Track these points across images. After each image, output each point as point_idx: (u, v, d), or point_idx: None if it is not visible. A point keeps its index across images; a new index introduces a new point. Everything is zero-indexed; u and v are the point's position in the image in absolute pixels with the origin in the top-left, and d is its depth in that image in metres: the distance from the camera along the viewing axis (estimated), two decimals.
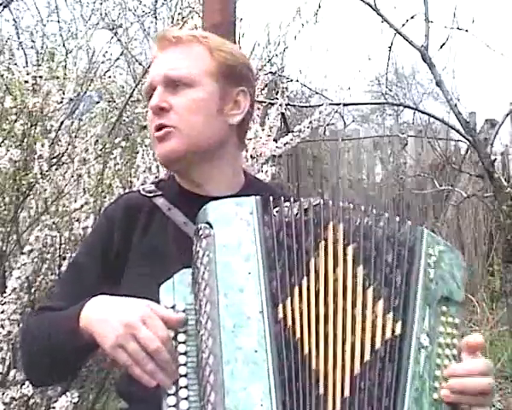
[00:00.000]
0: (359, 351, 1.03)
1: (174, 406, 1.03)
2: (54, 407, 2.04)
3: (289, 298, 1.03)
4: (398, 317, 1.06)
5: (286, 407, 0.98)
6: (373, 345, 1.04)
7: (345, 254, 1.07)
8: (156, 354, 1.03)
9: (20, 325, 2.18)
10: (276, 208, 1.08)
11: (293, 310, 1.03)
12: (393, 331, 1.05)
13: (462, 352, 1.09)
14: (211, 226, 1.07)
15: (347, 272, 1.06)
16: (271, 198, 1.08)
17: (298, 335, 1.02)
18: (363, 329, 1.04)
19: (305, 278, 1.05)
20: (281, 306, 1.02)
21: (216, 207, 1.09)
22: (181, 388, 1.03)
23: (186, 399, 1.02)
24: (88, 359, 1.28)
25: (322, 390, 1.00)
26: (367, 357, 1.03)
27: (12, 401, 2.10)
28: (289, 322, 1.02)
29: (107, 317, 1.08)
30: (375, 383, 1.02)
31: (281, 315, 1.02)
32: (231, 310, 1.02)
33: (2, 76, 2.66)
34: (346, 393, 1.01)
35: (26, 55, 5.10)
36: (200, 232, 1.08)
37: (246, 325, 1.01)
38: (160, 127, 1.29)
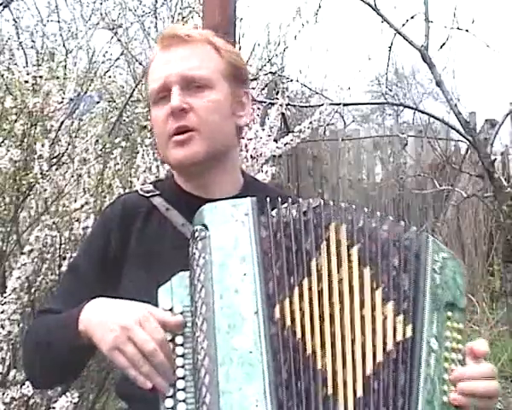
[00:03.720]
0: (371, 351, 1.03)
1: (172, 408, 1.03)
2: (54, 407, 2.04)
3: (288, 298, 1.03)
4: (409, 320, 1.06)
5: (283, 407, 0.98)
6: (385, 346, 1.04)
7: (349, 255, 1.07)
8: (152, 357, 1.03)
9: (21, 325, 2.19)
10: (274, 209, 1.08)
11: (292, 310, 1.02)
12: (404, 334, 1.05)
13: (467, 356, 1.10)
14: (207, 228, 1.07)
15: (353, 273, 1.06)
16: (268, 199, 1.08)
17: (298, 335, 1.01)
18: (374, 330, 1.04)
19: (307, 278, 1.04)
20: (278, 306, 1.02)
21: (212, 209, 1.10)
22: (178, 390, 1.04)
23: (184, 401, 1.03)
24: (87, 361, 1.28)
25: (330, 390, 1.00)
26: (379, 358, 1.03)
27: (12, 401, 2.10)
28: (288, 322, 1.02)
29: (105, 320, 1.08)
30: (389, 384, 1.02)
31: (278, 315, 1.02)
32: (226, 311, 1.02)
33: (2, 76, 2.66)
34: (359, 393, 1.01)
35: (26, 55, 5.09)
36: (196, 234, 1.08)
37: (241, 325, 1.01)
38: (180, 130, 1.26)
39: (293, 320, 1.02)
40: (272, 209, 1.08)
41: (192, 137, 1.25)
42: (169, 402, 1.03)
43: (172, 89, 1.26)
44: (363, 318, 1.04)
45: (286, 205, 1.09)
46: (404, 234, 1.11)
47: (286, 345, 1.01)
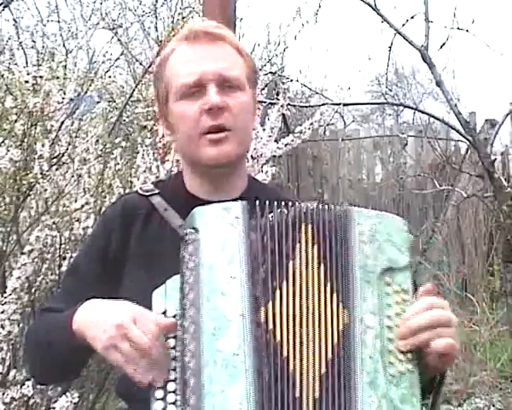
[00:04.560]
0: (324, 350, 1.04)
1: None
2: (54, 408, 2.05)
3: (271, 301, 1.04)
4: (345, 305, 1.06)
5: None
6: (332, 340, 1.04)
7: (312, 255, 1.07)
8: (148, 352, 1.04)
9: (21, 326, 2.19)
10: (263, 212, 1.08)
11: (274, 313, 1.03)
12: (343, 321, 1.06)
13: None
14: (197, 231, 1.08)
15: (314, 273, 1.07)
16: (257, 202, 1.08)
17: (278, 338, 1.03)
18: (326, 326, 1.05)
19: (285, 281, 1.05)
20: (263, 309, 1.03)
21: (202, 211, 1.10)
22: (169, 392, 1.04)
23: (174, 403, 1.04)
24: (87, 359, 1.29)
25: (298, 393, 1.01)
26: (329, 355, 1.04)
27: (12, 401, 2.10)
28: (271, 325, 1.03)
29: (99, 319, 1.09)
30: (335, 378, 1.03)
31: (263, 318, 1.03)
32: (212, 314, 1.02)
33: (2, 76, 2.66)
34: (317, 394, 1.02)
35: (26, 55, 5.09)
36: (187, 238, 1.08)
37: (226, 328, 1.01)
38: (217, 128, 1.26)
39: (274, 323, 1.03)
40: (263, 212, 1.08)
41: (227, 137, 1.26)
42: (159, 405, 1.04)
43: (209, 86, 1.25)
44: (320, 316, 1.05)
45: (275, 207, 1.09)
46: (337, 216, 1.10)
47: (268, 348, 1.02)
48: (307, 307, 1.05)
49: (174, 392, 1.04)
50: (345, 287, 1.07)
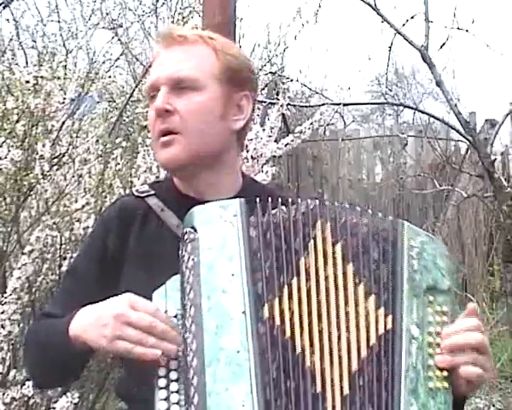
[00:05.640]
0: (356, 348, 1.03)
1: None
2: (54, 408, 2.05)
3: (277, 298, 1.03)
4: (389, 311, 1.06)
5: (271, 407, 0.98)
6: (368, 341, 1.04)
7: (334, 252, 1.07)
8: (152, 329, 1.04)
9: (21, 326, 2.19)
10: (264, 210, 1.08)
11: (282, 309, 1.03)
12: (385, 326, 1.05)
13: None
14: (196, 230, 1.08)
15: (337, 270, 1.06)
16: (258, 200, 1.08)
17: (288, 334, 1.02)
18: (358, 325, 1.05)
19: (296, 277, 1.05)
20: (267, 306, 1.02)
21: (201, 210, 1.10)
22: (172, 392, 1.04)
23: (177, 403, 1.03)
24: (86, 363, 1.29)
25: (319, 388, 1.00)
26: (363, 353, 1.03)
27: (12, 401, 2.11)
28: (278, 321, 1.02)
29: (95, 319, 1.09)
30: (373, 378, 1.03)
31: (267, 315, 1.02)
32: (214, 312, 1.02)
33: (3, 76, 2.66)
34: (346, 390, 1.01)
35: (26, 55, 5.10)
36: (186, 237, 1.08)
37: (228, 326, 1.01)
38: (164, 132, 1.26)
39: (282, 319, 1.02)
40: (263, 210, 1.08)
41: (174, 140, 1.25)
42: (163, 405, 1.03)
43: (160, 89, 1.26)
44: (347, 314, 1.05)
45: (277, 205, 1.09)
46: (381, 225, 1.11)
47: (275, 344, 1.01)
48: (328, 304, 1.04)
49: (177, 392, 1.04)
50: (388, 293, 1.07)
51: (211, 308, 1.02)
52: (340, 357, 1.02)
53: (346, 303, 1.05)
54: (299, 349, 1.01)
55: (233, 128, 1.30)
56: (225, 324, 1.01)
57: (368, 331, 1.05)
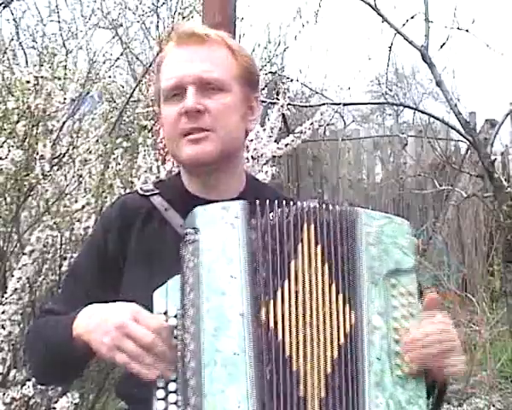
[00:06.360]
0: (330, 349, 1.05)
1: None
2: (54, 408, 2.05)
3: (272, 301, 1.04)
4: (352, 306, 1.07)
5: (265, 409, 0.99)
6: (338, 341, 1.05)
7: (316, 254, 1.08)
8: (152, 347, 1.04)
9: (21, 326, 2.19)
10: (263, 212, 1.09)
11: (276, 312, 1.04)
12: (350, 323, 1.07)
13: (423, 313, 1.11)
14: (197, 231, 1.08)
15: (318, 272, 1.07)
16: (258, 202, 1.09)
17: (280, 337, 1.03)
18: (331, 326, 1.06)
19: (287, 280, 1.06)
20: (264, 309, 1.04)
21: (202, 211, 1.10)
22: (170, 392, 1.05)
23: (175, 403, 1.04)
24: (87, 362, 1.30)
25: (302, 393, 1.02)
26: (335, 354, 1.05)
27: (12, 401, 2.11)
28: (272, 324, 1.03)
29: (99, 323, 1.10)
30: (343, 379, 1.04)
31: (264, 318, 1.03)
32: (212, 313, 1.03)
33: (3, 76, 2.66)
34: (323, 394, 1.03)
35: (26, 55, 5.10)
36: (187, 238, 1.09)
37: (226, 327, 1.02)
38: (196, 130, 1.26)
39: (275, 322, 1.04)
40: (262, 212, 1.09)
41: (207, 136, 1.26)
42: (161, 405, 1.05)
43: (188, 89, 1.26)
44: (324, 316, 1.06)
45: (275, 206, 1.10)
46: (343, 218, 1.11)
47: (269, 347, 1.02)
48: (311, 307, 1.05)
49: (175, 392, 1.05)
50: (351, 288, 1.08)
51: (209, 310, 1.03)
52: (318, 360, 1.04)
53: (324, 305, 1.06)
54: (288, 353, 1.03)
55: (249, 129, 1.34)
56: (223, 326, 1.02)
57: (338, 331, 1.06)
